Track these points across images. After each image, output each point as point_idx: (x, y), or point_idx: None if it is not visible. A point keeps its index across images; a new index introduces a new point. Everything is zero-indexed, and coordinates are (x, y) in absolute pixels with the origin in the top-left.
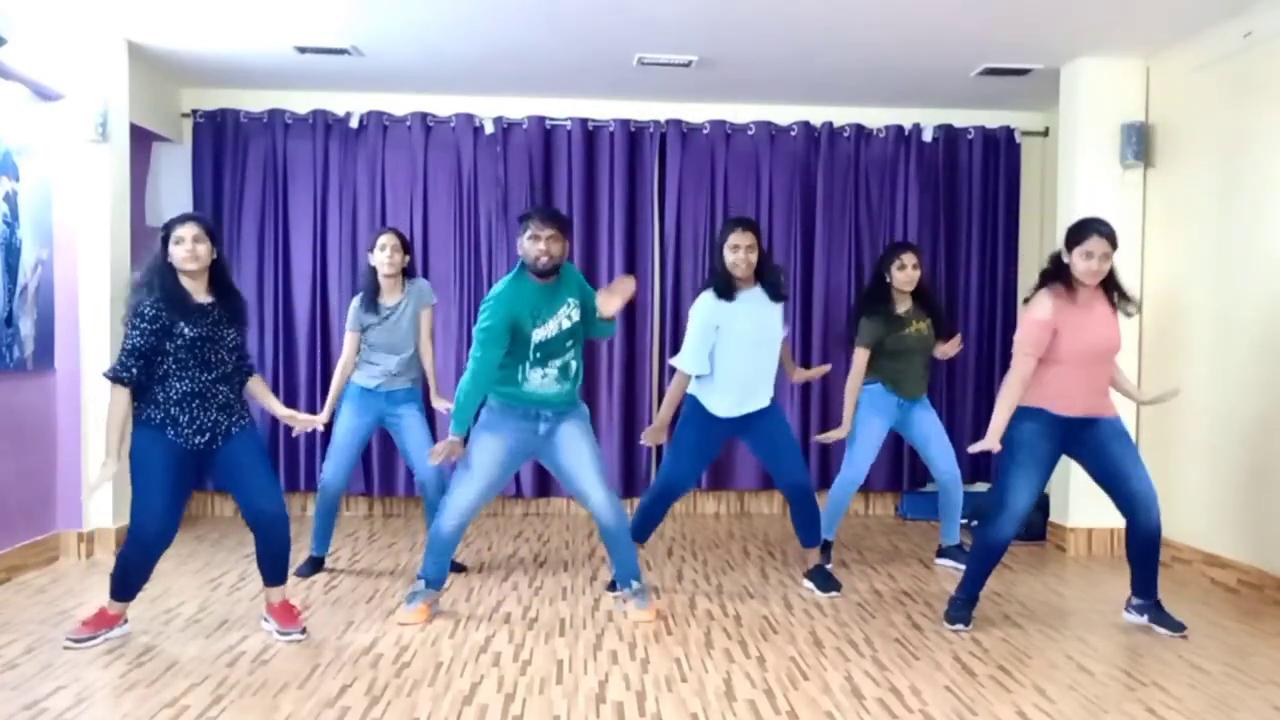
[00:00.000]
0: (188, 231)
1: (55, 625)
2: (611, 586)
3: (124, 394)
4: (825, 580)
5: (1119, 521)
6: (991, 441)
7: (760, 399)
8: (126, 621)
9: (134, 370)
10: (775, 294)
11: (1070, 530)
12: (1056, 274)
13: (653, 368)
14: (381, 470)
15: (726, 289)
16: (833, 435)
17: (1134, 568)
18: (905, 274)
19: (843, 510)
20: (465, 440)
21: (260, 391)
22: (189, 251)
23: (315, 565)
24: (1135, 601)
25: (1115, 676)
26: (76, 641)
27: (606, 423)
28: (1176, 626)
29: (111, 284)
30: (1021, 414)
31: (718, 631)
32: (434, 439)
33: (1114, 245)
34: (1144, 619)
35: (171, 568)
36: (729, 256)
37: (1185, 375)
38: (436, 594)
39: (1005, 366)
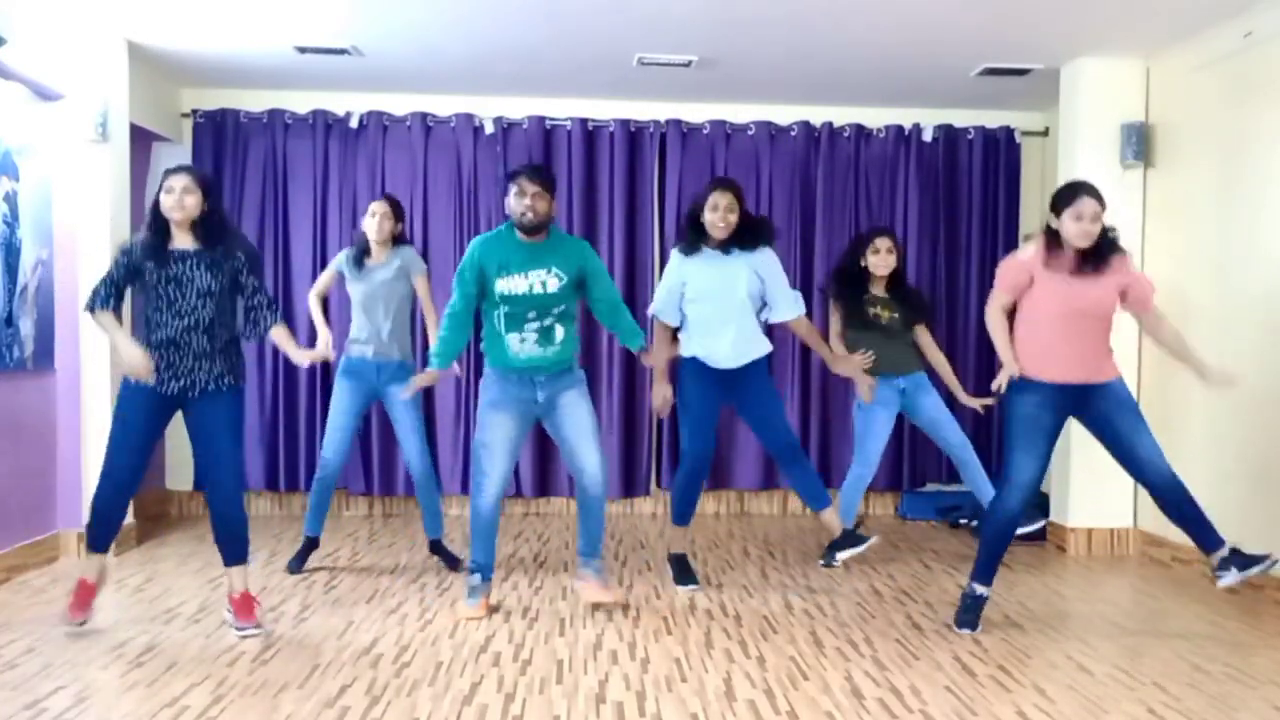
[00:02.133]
0: (178, 182)
1: (55, 625)
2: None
3: (107, 317)
4: (852, 539)
5: (1119, 522)
6: (1010, 367)
7: (752, 349)
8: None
9: (104, 295)
10: (751, 244)
11: (1070, 530)
12: (1047, 237)
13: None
14: (381, 470)
15: (690, 244)
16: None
17: (1184, 528)
18: (879, 258)
19: (855, 506)
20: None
21: (282, 339)
22: (176, 200)
23: (309, 546)
24: (1213, 561)
25: (1115, 676)
26: (78, 625)
27: (607, 423)
28: (1261, 558)
29: None
30: (1020, 386)
31: (718, 631)
32: (428, 427)
33: (1103, 205)
34: (1237, 573)
35: (171, 568)
36: (707, 216)
37: (1185, 375)
38: (490, 586)
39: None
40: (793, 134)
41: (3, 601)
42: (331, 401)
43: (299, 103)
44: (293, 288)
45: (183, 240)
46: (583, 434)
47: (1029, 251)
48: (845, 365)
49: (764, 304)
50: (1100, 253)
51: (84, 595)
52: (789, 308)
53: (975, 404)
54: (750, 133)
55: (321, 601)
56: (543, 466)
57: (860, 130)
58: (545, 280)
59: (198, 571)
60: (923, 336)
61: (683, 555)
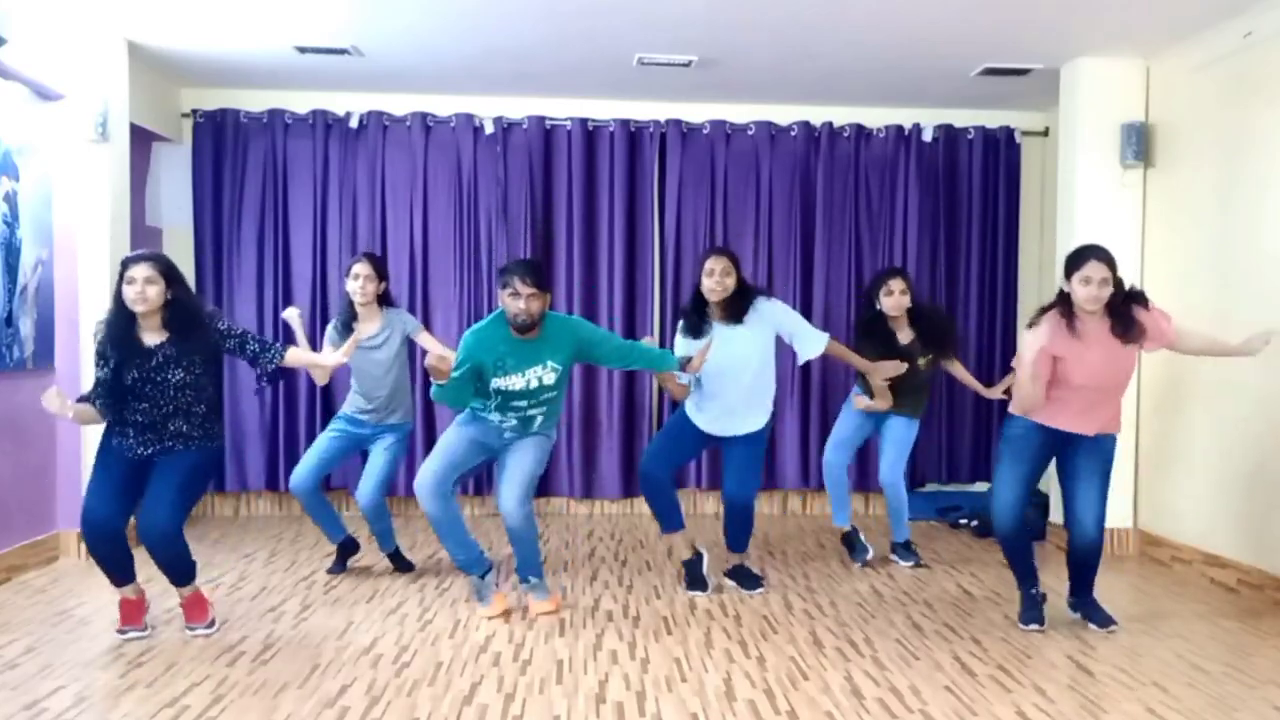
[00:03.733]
0: (139, 273)
1: (55, 625)
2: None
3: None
4: (750, 579)
5: (1119, 522)
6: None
7: (740, 426)
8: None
9: (98, 404)
10: (735, 318)
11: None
12: (1059, 304)
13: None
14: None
15: (692, 324)
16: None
17: (1072, 570)
18: (893, 299)
19: (846, 503)
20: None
21: (299, 359)
22: (138, 293)
23: (344, 551)
24: (1070, 599)
25: (1115, 676)
26: (122, 631)
27: (607, 424)
28: (1106, 621)
29: (111, 284)
30: (1018, 419)
31: (718, 631)
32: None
33: (1113, 269)
34: (1076, 614)
35: None
36: (704, 282)
37: (1184, 375)
38: (486, 581)
39: (1005, 368)
40: (793, 134)
41: (3, 601)
42: (318, 438)
43: (299, 103)
44: (293, 288)
45: (150, 329)
46: (517, 468)
47: (1043, 334)
48: (882, 373)
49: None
50: (1122, 319)
51: (128, 610)
52: (815, 342)
53: (998, 390)
54: (750, 133)
55: (321, 601)
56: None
57: (860, 130)
58: (542, 375)
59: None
60: (955, 369)
61: (694, 560)
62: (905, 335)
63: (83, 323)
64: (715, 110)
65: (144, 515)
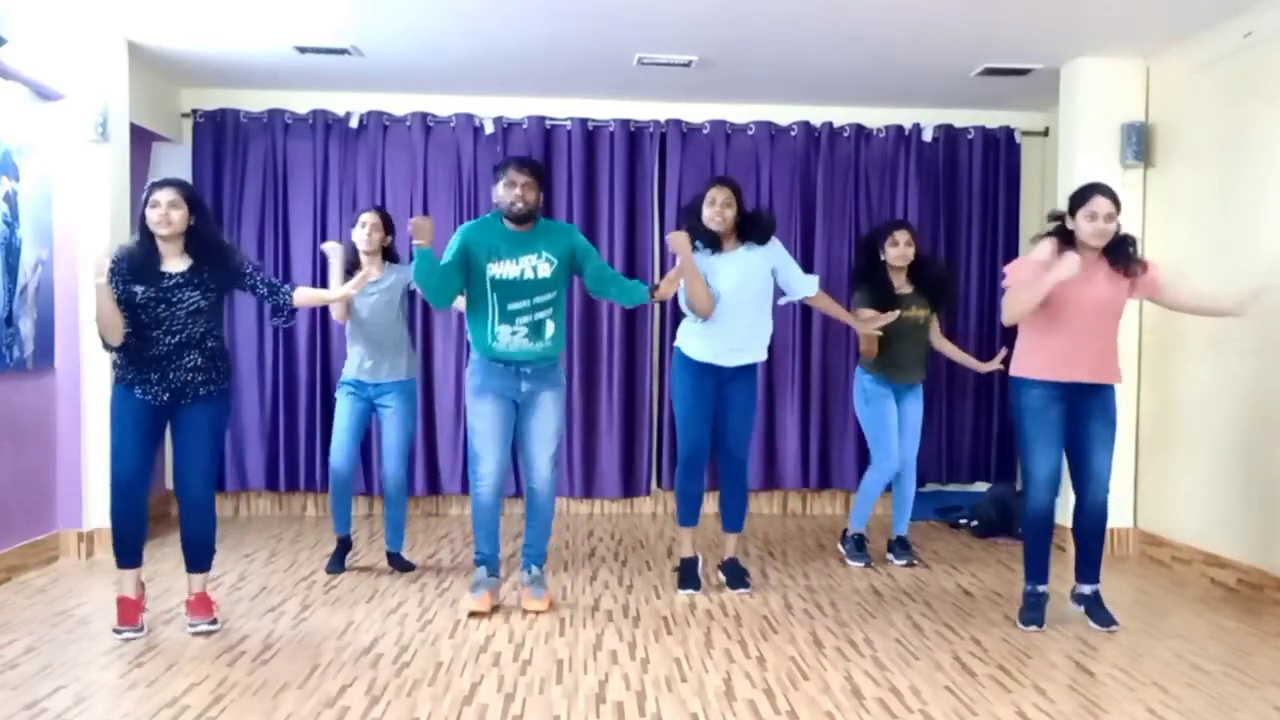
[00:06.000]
0: (164, 196)
1: (55, 625)
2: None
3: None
4: (738, 577)
5: (1119, 522)
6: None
7: (747, 354)
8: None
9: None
10: (762, 239)
11: (1070, 530)
12: (1059, 236)
13: (653, 368)
14: (381, 471)
15: (711, 242)
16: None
17: (1079, 548)
18: (898, 250)
19: (868, 513)
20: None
21: (310, 297)
22: (162, 215)
23: (343, 547)
24: (1077, 589)
25: (1115, 676)
26: (118, 631)
27: (607, 422)
28: (1108, 621)
29: None
30: (1025, 384)
31: (718, 631)
32: (420, 442)
33: (1118, 206)
34: (1079, 607)
35: (171, 568)
36: (705, 211)
37: (1185, 375)
38: (497, 581)
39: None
40: (793, 134)
41: (3, 601)
42: (335, 415)
43: (299, 103)
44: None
45: (171, 255)
46: (543, 433)
47: (1044, 251)
48: (870, 325)
49: (779, 293)
50: (1120, 253)
51: (126, 609)
52: (808, 285)
53: (994, 364)
54: (750, 133)
55: (321, 601)
56: None
57: (860, 130)
58: (536, 265)
59: None
60: (948, 348)
61: (692, 560)
62: (904, 287)
63: (83, 323)
64: (715, 110)
65: (190, 484)
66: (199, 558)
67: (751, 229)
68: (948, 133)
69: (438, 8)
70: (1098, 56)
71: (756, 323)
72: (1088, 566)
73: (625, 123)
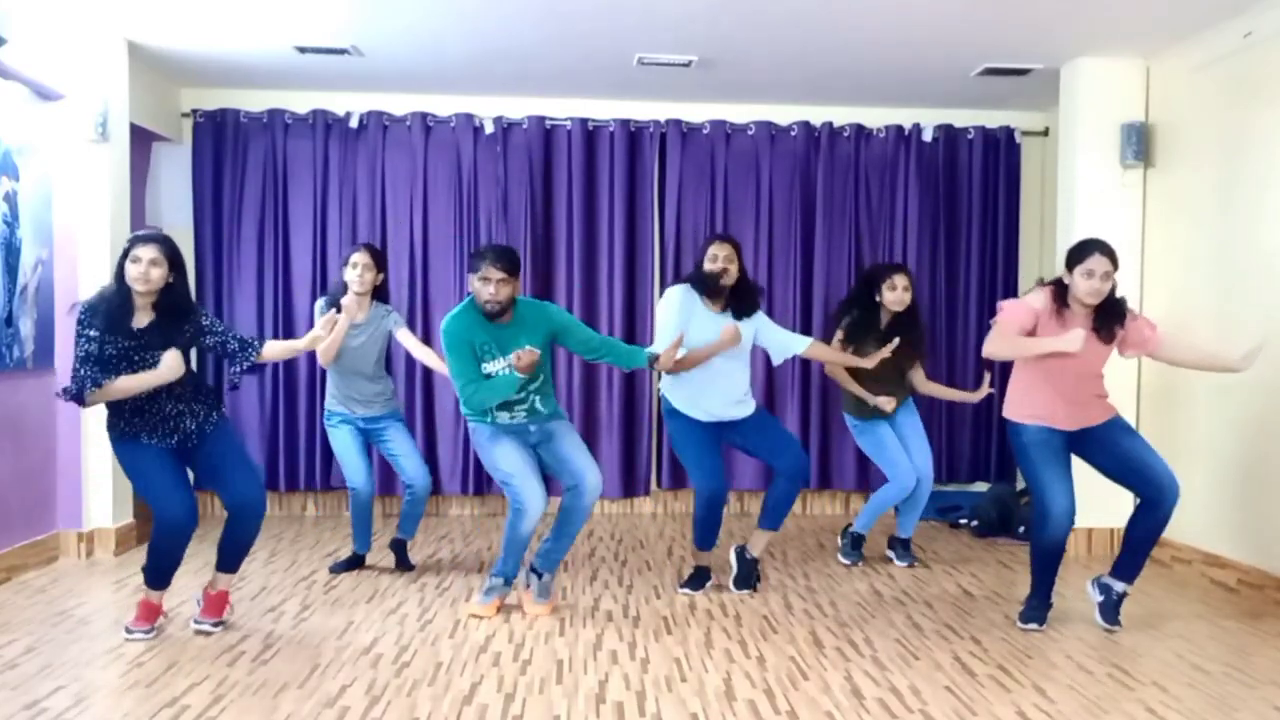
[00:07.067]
0: (146, 253)
1: (55, 625)
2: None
3: (101, 394)
4: (753, 575)
5: (1119, 522)
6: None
7: (733, 411)
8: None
9: (90, 375)
10: (745, 311)
11: (1070, 530)
12: (1055, 289)
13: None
14: (382, 470)
15: (707, 288)
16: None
17: (1128, 550)
18: (896, 295)
19: (874, 521)
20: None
21: (279, 350)
22: (141, 273)
23: (355, 562)
24: (1107, 581)
25: (1115, 676)
26: (129, 632)
27: (607, 423)
28: (1114, 620)
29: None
30: (1019, 427)
31: (718, 631)
32: (421, 443)
33: (1115, 264)
34: (1100, 598)
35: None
36: (707, 267)
37: (1185, 375)
38: (508, 590)
39: (1004, 368)
40: (793, 134)
41: (3, 601)
42: (335, 445)
43: (299, 103)
44: (293, 288)
45: (141, 309)
46: (580, 449)
47: (1039, 299)
48: (872, 361)
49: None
50: (1109, 318)
51: (147, 610)
52: (798, 343)
53: (983, 391)
54: (750, 133)
55: (321, 601)
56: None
57: (860, 130)
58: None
59: (197, 572)
60: (916, 376)
61: (706, 570)
62: (885, 326)
63: None
64: (715, 110)
65: (247, 492)
66: (235, 561)
67: (741, 302)
68: (948, 133)
69: (438, 8)
70: (1098, 56)
71: (741, 378)
72: (1132, 568)
73: (625, 123)
